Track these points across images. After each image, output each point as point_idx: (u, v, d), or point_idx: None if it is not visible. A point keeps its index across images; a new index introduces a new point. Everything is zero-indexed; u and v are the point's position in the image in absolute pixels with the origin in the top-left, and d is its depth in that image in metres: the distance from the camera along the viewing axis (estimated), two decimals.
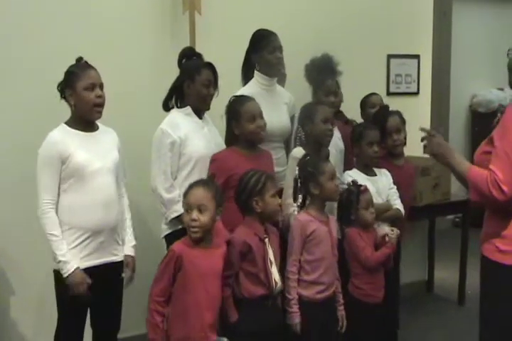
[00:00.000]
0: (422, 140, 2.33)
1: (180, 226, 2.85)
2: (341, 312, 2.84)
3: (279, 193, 2.73)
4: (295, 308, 2.66)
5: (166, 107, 3.07)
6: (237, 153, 2.86)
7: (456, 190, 4.71)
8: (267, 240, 2.55)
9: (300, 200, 2.76)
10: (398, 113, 3.49)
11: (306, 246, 2.71)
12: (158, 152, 2.95)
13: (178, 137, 2.93)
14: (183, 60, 3.04)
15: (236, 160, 2.80)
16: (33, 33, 3.22)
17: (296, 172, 2.82)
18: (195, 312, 2.28)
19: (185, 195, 2.34)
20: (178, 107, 3.04)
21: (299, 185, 2.77)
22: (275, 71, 3.30)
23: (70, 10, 3.30)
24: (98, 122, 2.75)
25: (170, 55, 3.20)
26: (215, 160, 2.85)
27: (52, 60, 3.11)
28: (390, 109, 3.60)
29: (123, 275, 2.77)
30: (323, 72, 3.45)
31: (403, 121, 3.46)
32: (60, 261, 2.54)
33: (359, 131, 3.27)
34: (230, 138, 2.96)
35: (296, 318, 2.65)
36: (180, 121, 2.99)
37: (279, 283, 2.57)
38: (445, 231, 5.48)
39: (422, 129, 2.35)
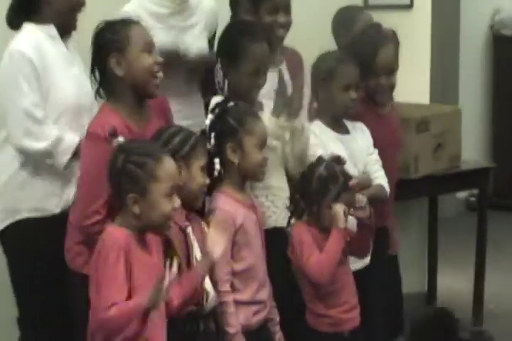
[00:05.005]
0: None
1: (18, 218, 2.79)
2: (279, 334, 2.75)
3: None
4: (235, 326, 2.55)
5: (13, 23, 2.86)
6: (119, 118, 2.60)
7: (470, 154, 4.74)
8: (189, 229, 2.43)
9: (217, 167, 2.63)
10: (393, 37, 3.27)
11: (233, 249, 2.59)
12: (15, 85, 2.76)
13: (43, 67, 2.75)
14: None
15: (123, 131, 2.54)
16: None
17: (207, 121, 2.71)
18: None
19: (152, 168, 2.23)
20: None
21: (211, 142, 2.64)
22: None
23: None
24: None
25: None
26: (100, 136, 2.56)
27: None
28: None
29: None
30: None
31: (397, 48, 3.26)
32: None
33: (329, 67, 3.03)
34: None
35: None
36: (45, 46, 2.81)
37: (212, 294, 2.45)
38: (454, 216, 5.29)
39: None
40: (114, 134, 2.35)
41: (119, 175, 2.18)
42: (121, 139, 2.28)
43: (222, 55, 2.98)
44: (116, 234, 2.18)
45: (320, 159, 2.83)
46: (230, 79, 2.91)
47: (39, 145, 2.72)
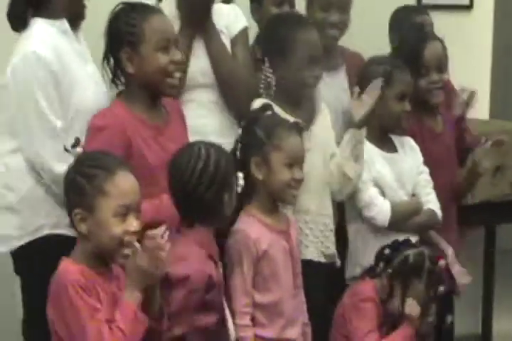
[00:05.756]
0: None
1: (43, 233, 2.85)
2: None
3: None
4: None
5: (19, 22, 2.91)
6: (129, 112, 2.70)
7: None
8: (220, 264, 2.52)
9: (241, 182, 2.64)
10: (440, 40, 3.41)
11: (256, 279, 2.62)
12: (31, 96, 2.78)
13: (62, 70, 2.79)
14: None
15: (134, 124, 2.67)
16: None
17: (239, 130, 2.79)
18: None
19: (101, 181, 2.25)
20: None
21: (237, 154, 2.71)
22: None
23: None
24: None
25: None
26: (104, 127, 2.69)
27: None
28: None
29: None
30: None
31: (446, 55, 3.38)
32: None
33: (384, 73, 3.05)
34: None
35: None
36: (60, 44, 2.84)
37: (234, 334, 2.54)
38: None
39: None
40: (76, 144, 2.36)
41: (68, 190, 2.20)
42: (79, 150, 2.30)
43: (268, 50, 3.01)
44: (65, 271, 2.19)
45: (421, 245, 2.93)
46: (278, 76, 2.93)
47: (62, 167, 2.68)
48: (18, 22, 2.85)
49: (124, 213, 2.14)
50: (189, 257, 2.40)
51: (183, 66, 2.81)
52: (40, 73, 2.72)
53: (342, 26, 3.31)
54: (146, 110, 2.71)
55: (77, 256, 2.18)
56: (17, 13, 2.85)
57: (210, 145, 2.52)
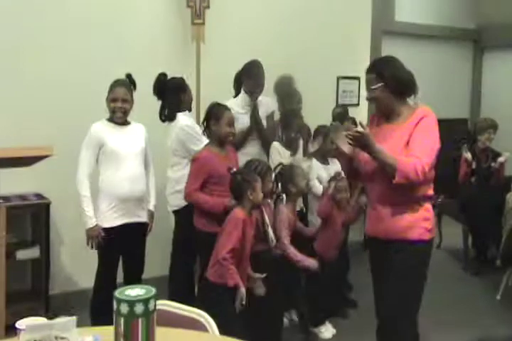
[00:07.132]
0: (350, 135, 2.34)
1: (185, 204, 3.27)
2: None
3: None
4: (299, 256, 3.26)
5: (168, 117, 3.42)
6: (212, 152, 3.19)
7: None
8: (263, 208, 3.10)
9: (280, 191, 3.32)
10: (353, 118, 4.29)
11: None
12: (190, 140, 3.26)
13: (197, 130, 3.31)
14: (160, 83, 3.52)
15: (214, 159, 3.16)
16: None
17: (277, 170, 3.34)
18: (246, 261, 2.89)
19: (255, 180, 2.74)
20: (166, 117, 3.49)
21: (278, 182, 3.29)
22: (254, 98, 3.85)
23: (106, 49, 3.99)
24: (130, 120, 3.15)
25: (181, 74, 3.74)
26: (197, 159, 3.14)
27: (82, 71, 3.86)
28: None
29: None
30: (288, 89, 3.92)
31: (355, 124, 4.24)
32: (86, 216, 3.00)
33: (324, 132, 3.75)
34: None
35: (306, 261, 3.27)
36: (190, 121, 3.39)
37: (273, 239, 3.10)
38: None
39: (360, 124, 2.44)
40: (230, 169, 2.87)
41: (240, 184, 2.73)
42: (234, 169, 2.86)
43: (282, 121, 3.67)
44: (238, 214, 2.66)
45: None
46: (285, 133, 3.64)
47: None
48: (170, 118, 3.38)
49: (259, 190, 2.77)
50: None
51: (234, 133, 3.16)
52: (190, 132, 3.33)
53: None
54: (218, 149, 3.11)
55: (242, 209, 2.71)
56: (169, 114, 3.39)
57: (260, 162, 3.06)
